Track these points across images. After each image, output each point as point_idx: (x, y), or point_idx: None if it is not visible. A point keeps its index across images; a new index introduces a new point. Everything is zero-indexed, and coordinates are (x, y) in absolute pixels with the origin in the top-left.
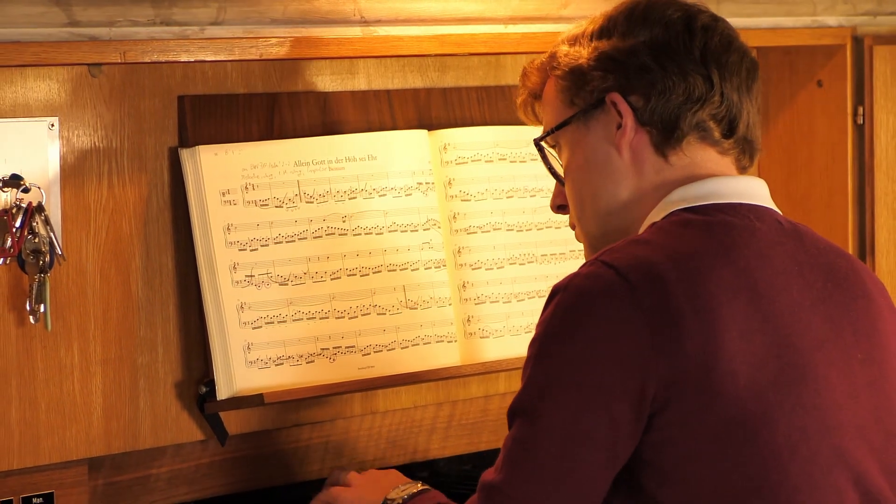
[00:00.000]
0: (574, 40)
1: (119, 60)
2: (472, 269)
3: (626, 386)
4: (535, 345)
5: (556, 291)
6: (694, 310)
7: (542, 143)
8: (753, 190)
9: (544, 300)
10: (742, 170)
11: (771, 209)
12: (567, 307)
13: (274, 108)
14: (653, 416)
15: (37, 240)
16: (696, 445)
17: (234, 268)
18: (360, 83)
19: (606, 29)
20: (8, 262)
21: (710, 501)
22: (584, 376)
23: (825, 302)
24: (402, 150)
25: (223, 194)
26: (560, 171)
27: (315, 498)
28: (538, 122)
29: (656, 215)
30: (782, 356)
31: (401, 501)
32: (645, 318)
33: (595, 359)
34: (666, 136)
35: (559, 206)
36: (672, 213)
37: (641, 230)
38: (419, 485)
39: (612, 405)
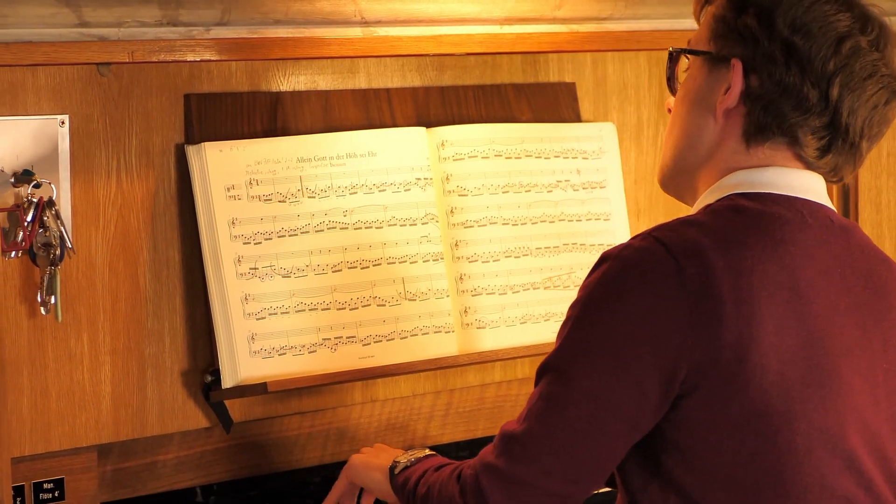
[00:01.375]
0: None
1: (127, 60)
2: (469, 262)
3: (660, 364)
4: (576, 307)
5: (606, 259)
6: (735, 300)
7: (677, 54)
8: (810, 185)
9: (539, 292)
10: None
11: (825, 206)
12: (614, 276)
13: (277, 105)
14: (680, 398)
15: (47, 233)
16: (717, 432)
17: (239, 260)
18: (360, 82)
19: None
20: (20, 255)
21: (723, 487)
22: (620, 347)
23: (860, 308)
24: (401, 146)
25: (228, 189)
26: (677, 84)
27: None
28: (697, 19)
29: (711, 196)
30: (812, 357)
31: (408, 462)
32: (688, 300)
33: (634, 332)
34: (758, 128)
35: (669, 110)
36: (727, 197)
37: (696, 206)
38: (426, 451)
39: (644, 379)
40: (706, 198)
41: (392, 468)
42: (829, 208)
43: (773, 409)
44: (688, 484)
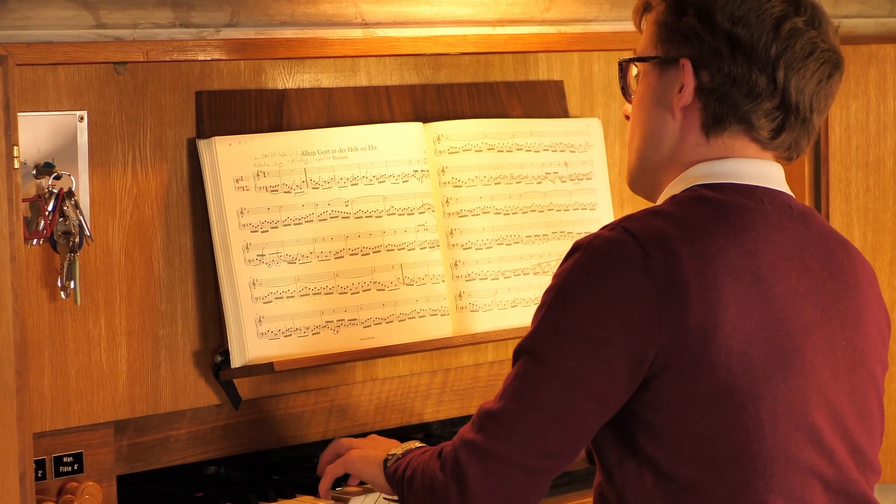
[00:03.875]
0: None
1: (142, 59)
2: (463, 249)
3: (629, 347)
4: (550, 293)
5: (577, 248)
6: (700, 286)
7: (626, 64)
8: (769, 173)
9: (529, 277)
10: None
11: (784, 192)
12: (584, 264)
13: (283, 102)
14: (650, 378)
15: (67, 222)
16: (686, 410)
17: (247, 248)
18: (361, 80)
19: None
20: (41, 242)
21: (693, 461)
22: (591, 331)
23: (819, 290)
24: (400, 140)
25: (237, 181)
26: (631, 91)
27: (324, 451)
28: (639, 29)
29: (676, 188)
30: (774, 338)
31: (400, 454)
32: (655, 287)
33: (604, 316)
34: (715, 120)
35: (627, 117)
36: (690, 188)
37: (661, 198)
38: (416, 443)
39: (613, 361)
40: (671, 189)
41: (385, 461)
42: (788, 195)
43: (738, 387)
44: (660, 459)
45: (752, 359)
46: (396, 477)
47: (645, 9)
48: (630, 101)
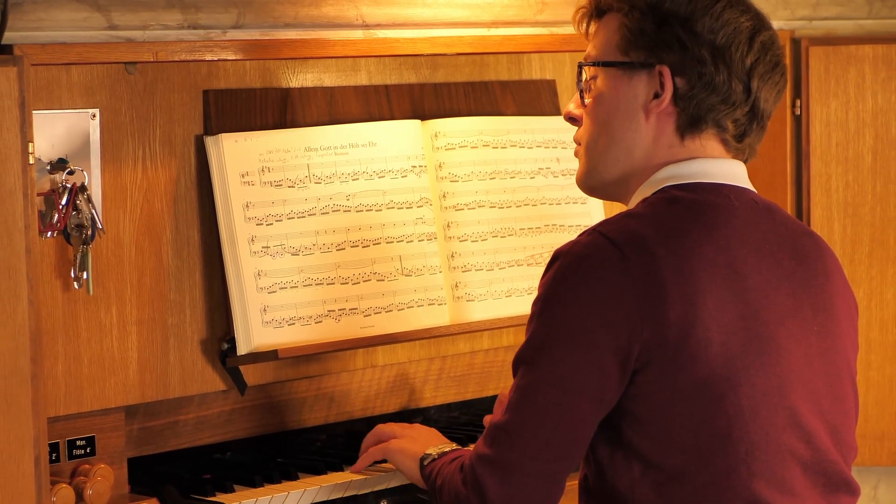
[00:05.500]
0: None
1: (152, 59)
2: (460, 241)
3: (615, 345)
4: (537, 304)
5: (557, 257)
6: (677, 282)
7: (584, 66)
8: (733, 171)
9: (523, 268)
10: None
11: (748, 189)
12: (566, 271)
13: (287, 100)
14: (635, 373)
15: (80, 216)
16: (669, 401)
17: (252, 240)
18: (361, 79)
19: (685, 4)
20: (55, 235)
21: (679, 450)
22: (579, 335)
23: (789, 279)
24: (399, 137)
25: (243, 176)
26: (587, 94)
27: (368, 435)
28: (585, 36)
29: (647, 190)
30: (750, 328)
31: (435, 456)
32: (634, 287)
33: (588, 319)
34: (692, 122)
35: (571, 118)
36: (661, 190)
37: (632, 201)
38: (453, 445)
39: (602, 360)
40: (642, 191)
41: (422, 459)
42: (751, 191)
43: (718, 376)
44: (647, 450)
45: (731, 349)
46: (430, 482)
47: (596, 14)
48: (584, 104)
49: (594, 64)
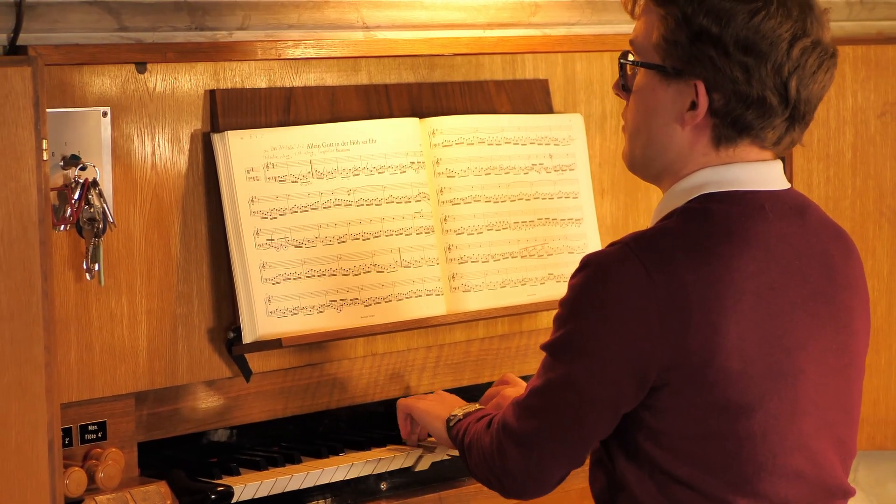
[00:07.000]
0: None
1: (161, 60)
2: (456, 234)
3: (633, 364)
4: (564, 307)
5: (588, 265)
6: (703, 310)
7: (625, 63)
8: (770, 175)
9: (517, 260)
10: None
11: (782, 191)
12: (592, 283)
13: (290, 99)
14: (653, 390)
15: (92, 210)
16: (684, 420)
17: (257, 233)
18: (362, 79)
19: (727, 13)
20: (68, 228)
21: (688, 463)
22: (599, 350)
23: (815, 297)
24: (398, 134)
25: (248, 172)
26: (630, 81)
27: (398, 414)
28: (632, 15)
29: (682, 195)
30: (772, 354)
31: (461, 416)
32: (657, 309)
33: (609, 338)
34: (727, 134)
35: (619, 94)
36: (696, 199)
37: (665, 196)
38: (476, 405)
39: (620, 377)
40: (675, 194)
41: (448, 420)
42: (786, 191)
43: (733, 403)
44: (659, 458)
45: (750, 376)
46: (458, 440)
47: None
48: (626, 98)
49: (633, 63)
